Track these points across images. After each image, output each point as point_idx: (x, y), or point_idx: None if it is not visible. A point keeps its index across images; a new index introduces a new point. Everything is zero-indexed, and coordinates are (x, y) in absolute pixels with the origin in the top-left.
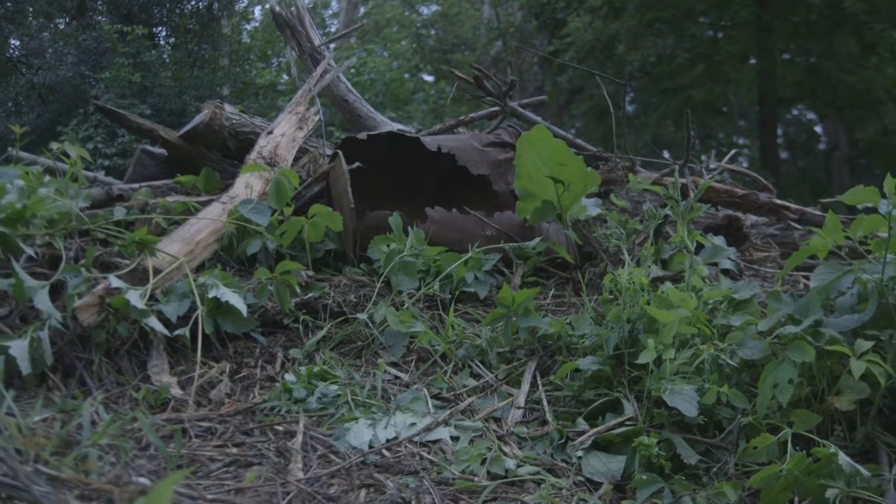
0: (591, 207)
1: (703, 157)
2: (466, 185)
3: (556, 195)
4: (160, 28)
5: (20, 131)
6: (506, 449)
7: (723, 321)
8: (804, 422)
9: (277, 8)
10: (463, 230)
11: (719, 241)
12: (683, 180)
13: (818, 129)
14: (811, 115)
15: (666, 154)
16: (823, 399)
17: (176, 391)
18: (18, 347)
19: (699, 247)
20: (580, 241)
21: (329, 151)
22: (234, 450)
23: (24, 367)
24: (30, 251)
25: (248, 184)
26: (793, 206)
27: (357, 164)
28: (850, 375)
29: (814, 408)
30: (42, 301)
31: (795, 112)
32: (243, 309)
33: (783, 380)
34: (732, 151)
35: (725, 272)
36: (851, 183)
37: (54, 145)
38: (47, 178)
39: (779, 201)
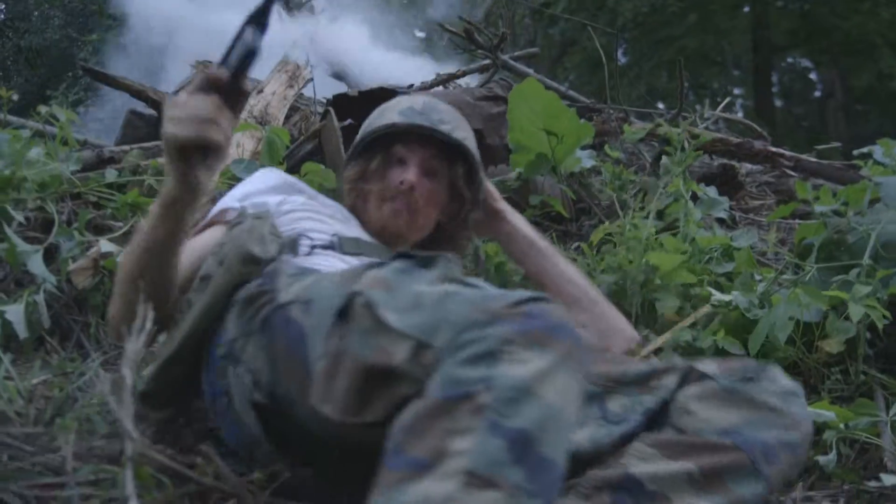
0: (586, 159)
1: (697, 108)
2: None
3: (550, 148)
4: None
5: (7, 95)
6: None
7: (718, 269)
8: None
9: None
10: None
11: (712, 191)
12: (678, 129)
13: (813, 76)
14: (806, 63)
15: (660, 105)
16: (817, 350)
17: None
18: (14, 312)
19: (695, 196)
20: (573, 195)
21: (320, 109)
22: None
23: (21, 330)
24: (20, 217)
25: (238, 143)
26: (788, 153)
27: (349, 121)
28: (836, 318)
29: (807, 359)
30: (36, 265)
31: (790, 60)
32: None
33: (783, 317)
34: (727, 100)
35: (720, 221)
36: (847, 130)
37: (43, 108)
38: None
39: (773, 149)
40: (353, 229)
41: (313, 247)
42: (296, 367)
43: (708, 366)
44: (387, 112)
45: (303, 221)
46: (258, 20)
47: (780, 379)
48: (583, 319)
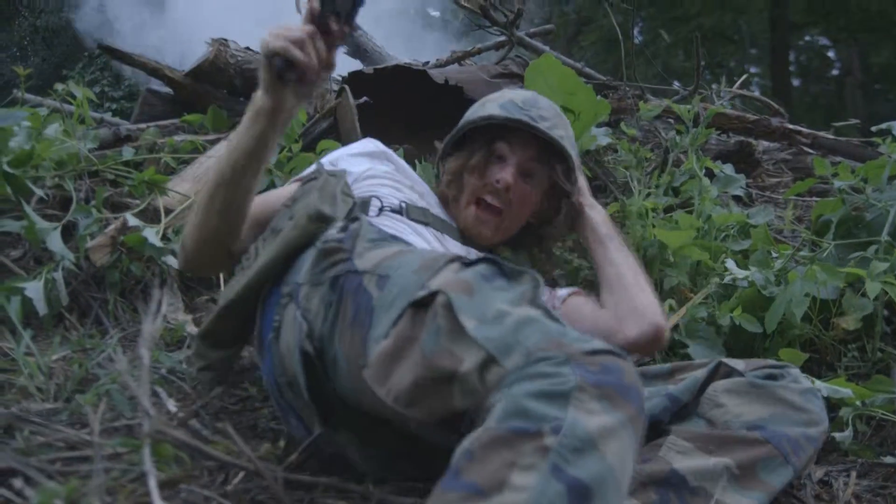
0: (601, 137)
1: (714, 86)
2: None
3: None
4: None
5: (24, 73)
6: None
7: (734, 246)
8: (791, 361)
9: None
10: None
11: (728, 168)
12: (694, 107)
13: (830, 54)
14: (824, 41)
15: (676, 85)
16: (833, 327)
17: (191, 328)
18: (34, 288)
19: (710, 174)
20: (589, 172)
21: (336, 87)
22: (253, 389)
23: (41, 307)
24: (40, 192)
25: None
26: (805, 130)
27: (364, 98)
28: (853, 294)
29: (824, 336)
30: (55, 242)
31: (807, 38)
32: None
33: (799, 294)
34: (744, 76)
35: (737, 199)
36: (865, 108)
37: (59, 86)
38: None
39: (791, 126)
40: (430, 205)
41: (381, 209)
42: (354, 335)
43: (735, 362)
44: (488, 104)
45: (380, 187)
46: None
47: (800, 378)
48: (607, 300)
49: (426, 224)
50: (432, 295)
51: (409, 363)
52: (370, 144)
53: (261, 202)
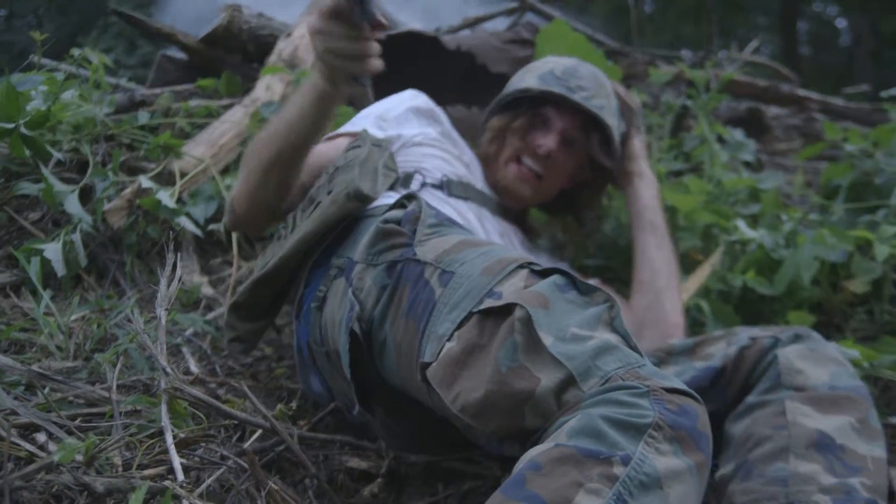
0: None
1: (724, 52)
2: (486, 83)
3: None
4: None
5: (40, 38)
6: None
7: (744, 210)
8: (800, 323)
9: None
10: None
11: (738, 134)
12: (706, 72)
13: (840, 23)
14: (833, 10)
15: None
16: (842, 290)
17: (207, 290)
18: (52, 250)
19: (720, 139)
20: None
21: None
22: (269, 350)
23: (59, 268)
24: (58, 155)
25: (268, 86)
26: (815, 96)
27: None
28: (862, 258)
29: (832, 299)
30: (72, 205)
31: (816, 8)
32: None
33: (808, 257)
34: (753, 42)
35: (747, 164)
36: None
37: (76, 51)
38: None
39: (801, 92)
40: (473, 174)
41: (423, 184)
42: (409, 325)
43: (754, 331)
44: (528, 74)
45: (428, 158)
46: None
47: (814, 335)
48: (637, 302)
49: (466, 199)
50: (508, 307)
51: (478, 373)
52: (418, 99)
53: (309, 161)
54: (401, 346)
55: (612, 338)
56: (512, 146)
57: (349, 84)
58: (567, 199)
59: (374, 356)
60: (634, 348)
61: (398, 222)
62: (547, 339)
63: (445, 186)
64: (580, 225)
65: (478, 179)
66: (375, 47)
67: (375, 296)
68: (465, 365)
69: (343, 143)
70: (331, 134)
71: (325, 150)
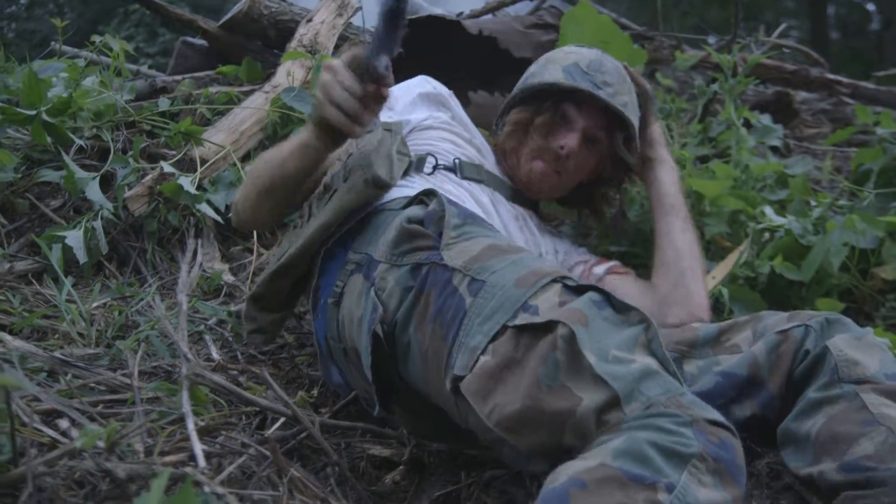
0: None
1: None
2: (509, 68)
3: None
4: None
5: (61, 25)
6: None
7: (772, 196)
8: (829, 309)
9: None
10: None
11: (766, 119)
12: (733, 55)
13: (870, 6)
14: None
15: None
16: (872, 277)
17: (228, 277)
18: (74, 237)
19: (747, 124)
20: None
21: (369, 38)
22: (290, 338)
23: (81, 255)
24: (79, 142)
25: (289, 72)
26: (845, 80)
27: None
28: (893, 244)
29: (862, 286)
30: (93, 192)
31: None
32: None
33: (837, 243)
34: (783, 26)
35: (774, 149)
36: None
37: (97, 38)
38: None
39: (831, 76)
40: (486, 158)
41: (436, 167)
42: (436, 331)
43: (780, 317)
44: (551, 65)
45: (439, 142)
46: (394, 13)
47: (844, 319)
48: (660, 281)
49: (479, 182)
50: (548, 324)
51: (515, 388)
52: (427, 84)
53: None
54: (427, 353)
55: (653, 363)
56: (534, 143)
57: (333, 143)
58: (585, 193)
59: (397, 359)
60: (674, 374)
61: (420, 221)
62: (591, 358)
63: (458, 168)
64: (598, 219)
65: (490, 164)
66: (369, 116)
67: (398, 297)
68: (501, 379)
69: None
70: None
71: None
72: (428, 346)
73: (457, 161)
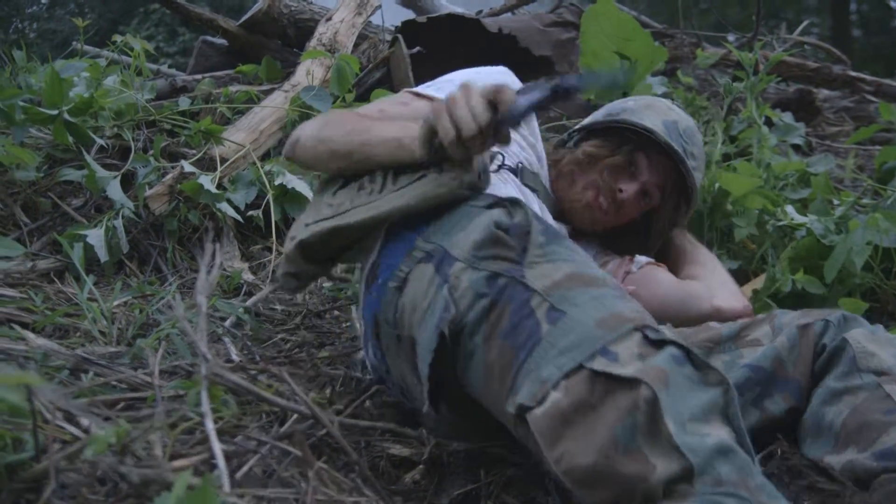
0: (657, 86)
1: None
2: (528, 66)
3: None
4: None
5: (83, 25)
6: None
7: (793, 195)
8: (852, 310)
9: None
10: None
11: (788, 117)
12: (755, 53)
13: (893, 3)
14: None
15: (731, 38)
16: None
17: (248, 276)
18: (95, 236)
19: (768, 122)
20: None
21: (389, 37)
22: (310, 335)
23: (102, 254)
24: (100, 141)
25: (309, 71)
26: (868, 77)
27: (417, 48)
28: None
29: (885, 285)
30: (114, 191)
31: None
32: (310, 195)
33: (860, 242)
34: (804, 23)
35: (796, 148)
36: None
37: (118, 38)
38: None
39: (853, 73)
40: (542, 168)
41: (501, 165)
42: (504, 349)
43: (795, 315)
44: (652, 112)
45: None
46: (563, 95)
47: (859, 318)
48: (698, 271)
49: (535, 191)
50: (631, 381)
51: (589, 440)
52: (507, 77)
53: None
54: (492, 368)
55: (728, 435)
56: (596, 177)
57: (429, 155)
58: (623, 235)
59: (457, 362)
60: (748, 451)
61: (507, 230)
62: (671, 426)
63: (520, 173)
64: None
65: (544, 175)
66: (476, 149)
67: (469, 301)
68: (572, 423)
69: (423, 108)
70: (407, 94)
71: (402, 116)
72: (494, 362)
73: (520, 165)
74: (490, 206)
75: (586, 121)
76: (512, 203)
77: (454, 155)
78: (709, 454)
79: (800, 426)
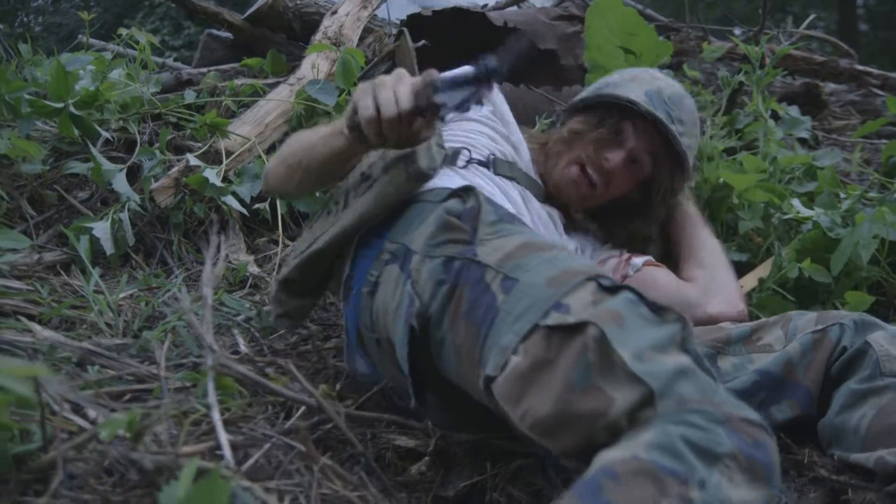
0: None
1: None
2: (534, 60)
3: (627, 66)
4: None
5: (88, 18)
6: None
7: (800, 189)
8: (858, 303)
9: None
10: (530, 106)
11: (794, 110)
12: (761, 46)
13: None
14: None
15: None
16: None
17: (254, 269)
18: (101, 228)
19: (775, 116)
20: None
21: (394, 30)
22: (316, 328)
23: (108, 247)
24: (106, 134)
25: (314, 64)
26: (875, 71)
27: (423, 41)
28: None
29: (892, 279)
30: (120, 184)
31: None
32: None
33: (867, 235)
34: (810, 17)
35: (802, 141)
36: None
37: (123, 31)
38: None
39: (860, 67)
40: (521, 156)
41: (469, 161)
42: (468, 329)
43: (809, 318)
44: (635, 84)
45: (476, 135)
46: (486, 75)
47: (875, 319)
48: (696, 274)
49: (511, 178)
50: (579, 325)
51: (547, 390)
52: None
53: None
54: (461, 350)
55: (686, 361)
56: (581, 151)
57: (359, 141)
58: (617, 211)
59: (432, 352)
60: (709, 372)
61: (459, 216)
62: (624, 355)
63: (491, 164)
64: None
65: (525, 162)
66: (392, 138)
67: (431, 291)
68: (532, 381)
69: None
70: None
71: None
72: (461, 343)
73: (491, 157)
74: (445, 199)
75: (574, 101)
76: (465, 191)
77: (368, 135)
78: (668, 376)
79: (822, 431)
